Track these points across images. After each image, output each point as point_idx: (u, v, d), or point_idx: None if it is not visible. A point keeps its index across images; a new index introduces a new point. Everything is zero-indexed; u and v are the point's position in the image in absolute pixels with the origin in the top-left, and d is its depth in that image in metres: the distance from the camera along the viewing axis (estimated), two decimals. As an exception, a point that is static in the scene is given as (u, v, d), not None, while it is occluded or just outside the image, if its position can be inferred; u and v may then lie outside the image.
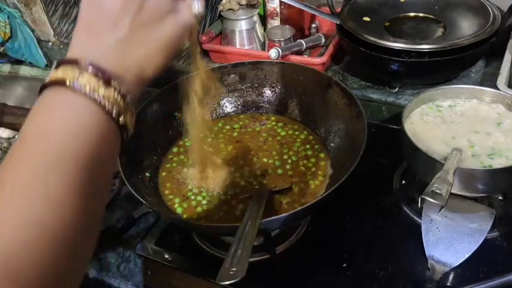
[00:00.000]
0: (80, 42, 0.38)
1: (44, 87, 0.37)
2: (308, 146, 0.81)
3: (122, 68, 0.37)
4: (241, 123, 0.87)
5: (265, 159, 0.79)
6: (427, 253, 0.66)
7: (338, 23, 0.93)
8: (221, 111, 0.89)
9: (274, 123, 0.87)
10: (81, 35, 0.39)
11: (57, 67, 0.37)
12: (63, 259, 0.31)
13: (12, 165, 0.33)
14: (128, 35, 0.38)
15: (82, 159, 0.33)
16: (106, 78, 0.36)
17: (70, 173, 0.32)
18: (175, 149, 0.83)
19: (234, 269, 0.50)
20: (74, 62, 0.36)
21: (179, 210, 0.72)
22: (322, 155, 0.79)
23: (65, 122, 0.34)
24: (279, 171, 0.76)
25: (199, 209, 0.72)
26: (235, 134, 0.85)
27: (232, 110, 0.90)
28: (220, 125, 0.87)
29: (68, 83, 0.35)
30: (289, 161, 0.78)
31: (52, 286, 0.30)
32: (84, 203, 0.33)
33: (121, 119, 0.36)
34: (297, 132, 0.84)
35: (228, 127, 0.86)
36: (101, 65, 0.36)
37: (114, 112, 0.36)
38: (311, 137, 0.83)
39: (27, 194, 0.31)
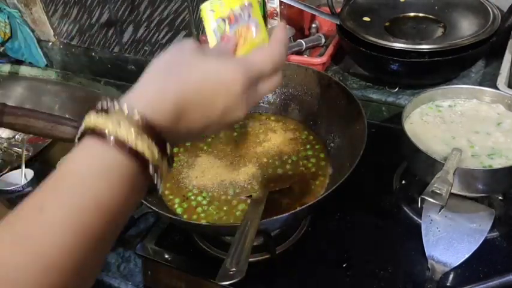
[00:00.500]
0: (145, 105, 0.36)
1: (85, 132, 0.35)
2: (308, 146, 0.81)
3: (170, 137, 0.37)
4: (241, 123, 0.87)
5: (265, 159, 0.79)
6: (427, 253, 0.66)
7: (338, 23, 0.93)
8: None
9: (274, 123, 0.87)
10: (149, 85, 0.38)
11: (102, 109, 0.35)
12: None
13: (42, 202, 0.32)
14: (186, 105, 0.38)
15: (110, 206, 0.33)
16: (150, 135, 0.35)
17: (86, 225, 0.32)
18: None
19: (234, 269, 0.50)
20: (122, 112, 0.34)
21: (179, 210, 0.72)
22: (322, 155, 0.79)
23: (95, 177, 0.33)
24: (279, 171, 0.76)
25: (199, 209, 0.72)
26: (235, 134, 0.85)
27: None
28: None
29: (108, 134, 0.33)
30: (289, 161, 0.78)
31: None
32: (103, 243, 0.33)
33: (156, 176, 0.36)
34: (297, 132, 0.84)
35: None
36: (151, 121, 0.35)
37: (150, 168, 0.35)
38: (311, 137, 0.83)
39: (41, 238, 0.31)
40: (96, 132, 0.34)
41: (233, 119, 0.41)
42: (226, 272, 0.50)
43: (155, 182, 0.36)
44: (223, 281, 0.49)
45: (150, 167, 0.35)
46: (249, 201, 0.69)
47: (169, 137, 0.36)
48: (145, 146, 0.34)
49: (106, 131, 0.33)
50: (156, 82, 0.38)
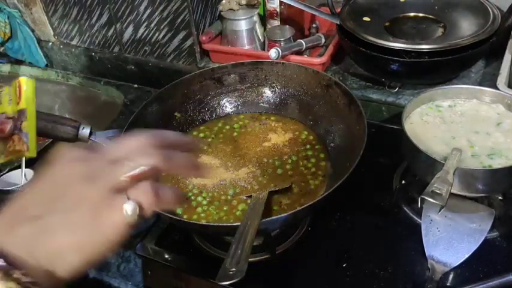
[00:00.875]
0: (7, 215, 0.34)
1: None
2: (308, 146, 0.81)
3: (31, 259, 0.33)
4: (241, 123, 0.87)
5: (264, 159, 0.79)
6: (427, 253, 0.66)
7: (338, 23, 0.93)
8: (221, 111, 0.89)
9: (274, 123, 0.87)
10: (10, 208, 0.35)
11: None
12: None
13: None
14: (43, 221, 0.34)
15: None
16: (6, 269, 0.31)
17: None
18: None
19: (234, 269, 0.50)
20: None
21: (179, 210, 0.72)
22: (322, 155, 0.79)
23: None
24: (279, 171, 0.76)
25: (199, 209, 0.72)
26: (235, 133, 0.85)
27: (232, 110, 0.90)
28: (220, 124, 0.87)
29: None
30: (289, 161, 0.78)
31: None
32: None
33: None
34: (296, 132, 0.84)
35: (227, 127, 0.86)
36: (6, 253, 0.32)
37: None
38: (311, 137, 0.83)
39: None
40: None
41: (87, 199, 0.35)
42: (226, 272, 0.50)
43: None
44: (223, 281, 0.49)
45: None
46: (249, 201, 0.69)
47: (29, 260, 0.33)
48: None
49: None
50: None
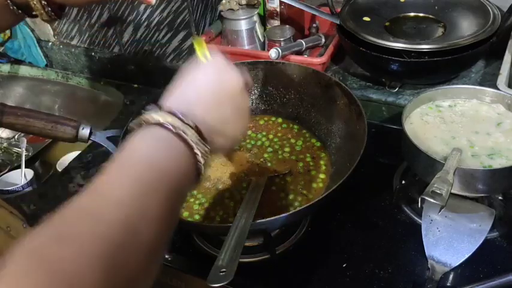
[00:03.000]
0: (187, 98, 0.46)
1: (142, 123, 0.43)
2: (308, 146, 0.81)
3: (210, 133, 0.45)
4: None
5: (265, 155, 0.79)
6: (427, 253, 0.66)
7: (338, 23, 0.93)
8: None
9: (274, 123, 0.87)
10: (189, 93, 0.47)
11: (157, 111, 0.43)
12: (148, 265, 0.36)
13: (117, 177, 0.38)
14: (224, 123, 0.48)
15: (171, 185, 0.39)
16: (200, 132, 0.43)
17: (162, 197, 0.38)
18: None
19: (224, 269, 0.50)
20: (182, 117, 0.43)
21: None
22: (322, 155, 0.79)
23: (163, 154, 0.41)
24: (280, 157, 0.76)
25: (199, 209, 0.72)
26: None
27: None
28: (220, 125, 0.87)
29: (169, 126, 0.41)
30: (289, 160, 0.78)
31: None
32: (169, 222, 0.38)
33: (203, 164, 0.43)
34: (297, 132, 0.84)
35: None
36: (198, 123, 0.43)
37: (199, 157, 0.43)
38: (311, 137, 0.83)
39: (128, 205, 0.35)
40: (155, 124, 0.42)
41: (243, 111, 0.50)
42: (216, 273, 0.50)
43: (201, 166, 0.43)
44: (214, 284, 0.49)
45: (196, 149, 0.42)
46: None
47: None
48: (192, 136, 0.42)
49: (165, 122, 0.41)
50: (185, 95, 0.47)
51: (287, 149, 0.80)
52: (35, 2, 0.57)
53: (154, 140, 0.41)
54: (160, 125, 0.42)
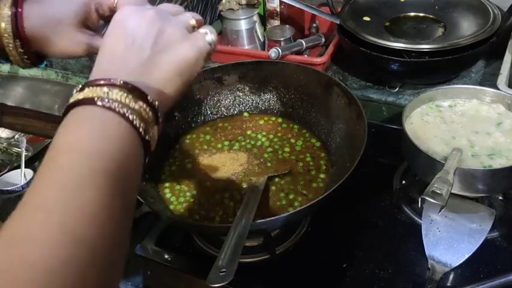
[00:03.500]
0: (104, 66, 0.40)
1: (70, 107, 0.37)
2: (308, 146, 0.81)
3: (145, 88, 0.38)
4: (241, 123, 0.87)
5: (265, 155, 0.79)
6: (427, 253, 0.66)
7: (338, 23, 0.93)
8: (221, 111, 0.89)
9: (274, 123, 0.86)
10: (104, 60, 0.41)
11: (82, 89, 0.37)
12: (102, 273, 0.31)
13: (42, 183, 0.33)
14: (150, 58, 0.40)
15: (111, 172, 0.34)
16: (135, 94, 0.37)
17: (101, 186, 0.32)
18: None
19: (224, 269, 0.50)
20: (101, 82, 0.37)
21: (179, 209, 0.72)
22: (322, 155, 0.79)
23: (93, 137, 0.35)
24: (280, 157, 0.77)
25: (199, 209, 0.72)
26: (235, 133, 0.85)
27: (232, 110, 0.89)
28: (220, 125, 0.87)
29: (97, 100, 0.36)
30: (289, 160, 0.78)
31: None
32: (117, 214, 0.33)
33: (147, 135, 0.38)
34: (297, 132, 0.84)
35: (228, 127, 0.86)
36: (129, 82, 0.37)
37: (141, 128, 0.37)
38: (311, 137, 0.82)
39: (60, 209, 0.31)
40: (86, 102, 0.36)
41: (171, 38, 0.42)
42: (216, 273, 0.50)
43: (147, 139, 0.38)
44: (214, 284, 0.49)
45: (134, 118, 0.36)
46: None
47: (144, 89, 0.38)
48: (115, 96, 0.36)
49: (96, 97, 0.36)
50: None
51: (287, 149, 0.80)
52: (10, 48, 0.52)
53: (75, 124, 0.36)
54: (78, 103, 0.36)
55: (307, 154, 0.79)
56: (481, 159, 0.67)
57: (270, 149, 0.81)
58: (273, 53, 0.94)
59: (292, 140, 0.82)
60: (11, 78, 1.35)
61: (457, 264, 0.65)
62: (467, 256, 0.65)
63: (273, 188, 0.74)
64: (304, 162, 0.78)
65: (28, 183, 1.01)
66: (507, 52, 0.88)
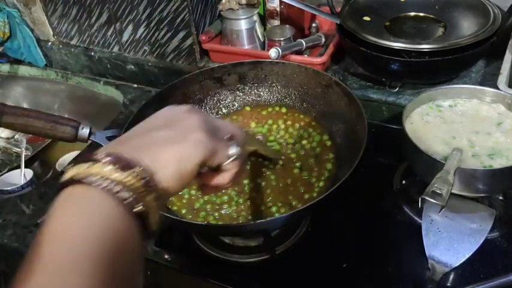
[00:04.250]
0: (106, 148, 0.38)
1: (62, 186, 0.35)
2: (308, 146, 0.80)
3: (133, 157, 0.37)
4: (241, 123, 0.87)
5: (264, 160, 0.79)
6: (427, 253, 0.66)
7: (338, 22, 0.93)
8: (221, 110, 0.89)
9: (274, 123, 0.86)
10: (111, 144, 0.40)
11: (73, 165, 0.36)
12: None
13: (29, 268, 0.31)
14: (151, 139, 0.40)
15: (99, 256, 0.31)
16: (120, 165, 0.35)
17: (88, 272, 0.30)
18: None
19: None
20: (89, 156, 0.36)
21: (178, 208, 0.72)
22: (322, 155, 0.79)
23: (78, 220, 0.33)
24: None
25: (199, 208, 0.72)
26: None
27: (232, 110, 0.89)
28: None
29: (79, 178, 0.34)
30: (289, 157, 0.78)
31: None
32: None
33: (139, 206, 0.35)
34: (296, 132, 0.84)
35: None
36: (118, 154, 0.36)
37: (131, 198, 0.34)
38: (311, 137, 0.82)
39: None
40: (70, 183, 0.35)
41: (186, 128, 0.41)
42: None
43: (136, 211, 0.35)
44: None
45: (121, 191, 0.34)
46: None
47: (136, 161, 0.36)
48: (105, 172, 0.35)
49: (95, 179, 0.34)
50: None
51: (286, 150, 0.80)
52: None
53: (60, 207, 0.34)
54: (71, 182, 0.35)
55: (308, 154, 0.79)
56: (482, 159, 0.67)
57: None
58: (273, 52, 0.94)
59: (292, 141, 0.82)
60: (11, 78, 1.35)
61: (457, 264, 0.65)
62: (467, 256, 0.65)
63: (273, 185, 0.74)
64: (304, 162, 0.78)
65: (28, 183, 1.01)
66: (507, 52, 0.88)
